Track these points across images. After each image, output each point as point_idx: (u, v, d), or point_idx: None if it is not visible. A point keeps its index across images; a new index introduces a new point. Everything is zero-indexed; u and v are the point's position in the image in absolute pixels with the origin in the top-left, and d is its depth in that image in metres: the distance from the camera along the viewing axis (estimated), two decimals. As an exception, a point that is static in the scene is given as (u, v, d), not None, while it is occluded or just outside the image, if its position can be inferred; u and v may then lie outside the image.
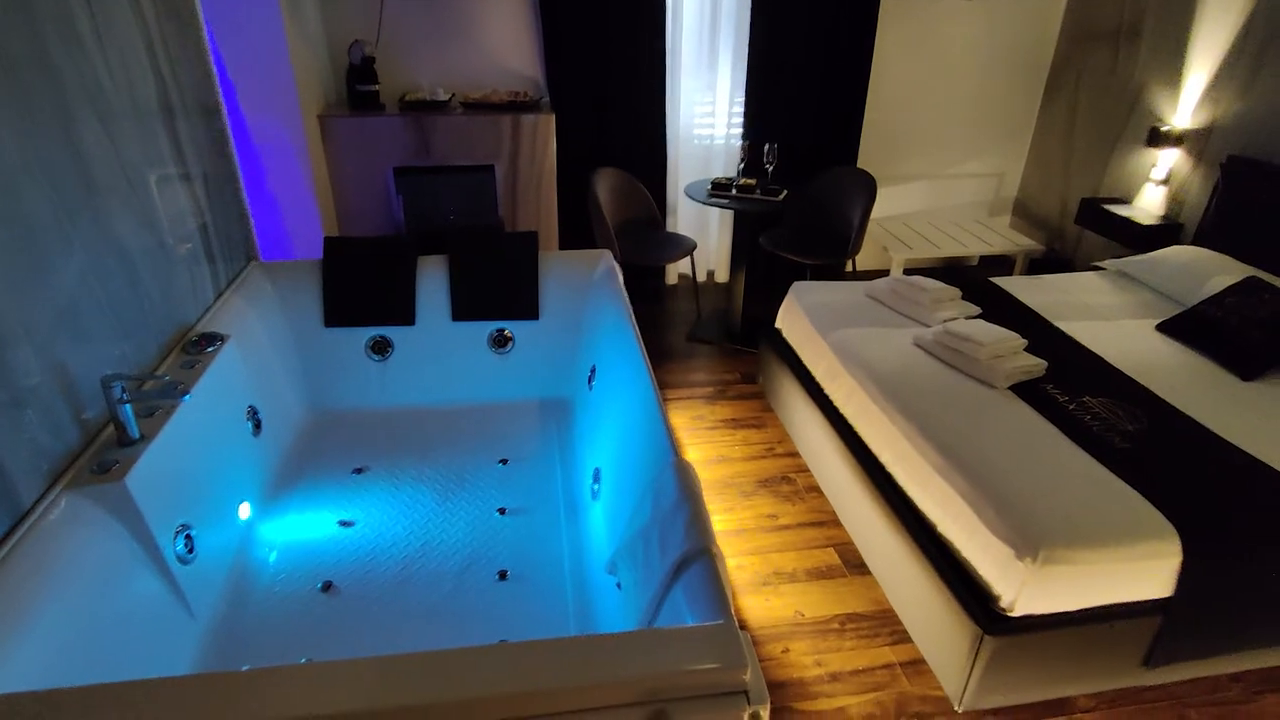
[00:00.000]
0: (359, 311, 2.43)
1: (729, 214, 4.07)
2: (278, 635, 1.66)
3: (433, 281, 2.47)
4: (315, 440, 2.33)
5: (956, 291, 2.72)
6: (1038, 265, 4.07)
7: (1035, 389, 2.17)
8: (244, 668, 1.01)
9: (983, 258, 4.38)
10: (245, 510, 1.96)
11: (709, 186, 3.37)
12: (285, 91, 2.93)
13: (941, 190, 4.34)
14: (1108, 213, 3.46)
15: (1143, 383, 2.23)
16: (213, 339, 1.94)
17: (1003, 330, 2.31)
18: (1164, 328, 2.60)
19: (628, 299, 2.30)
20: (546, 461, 2.26)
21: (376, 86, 3.32)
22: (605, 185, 3.44)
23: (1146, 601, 1.69)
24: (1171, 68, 3.34)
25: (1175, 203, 3.35)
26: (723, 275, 4.29)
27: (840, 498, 2.37)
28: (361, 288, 2.42)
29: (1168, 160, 3.34)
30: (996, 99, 4.14)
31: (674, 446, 1.56)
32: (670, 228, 4.04)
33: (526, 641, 1.02)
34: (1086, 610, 1.67)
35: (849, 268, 4.27)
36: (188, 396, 1.57)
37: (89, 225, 1.53)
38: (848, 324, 2.59)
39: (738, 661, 1.00)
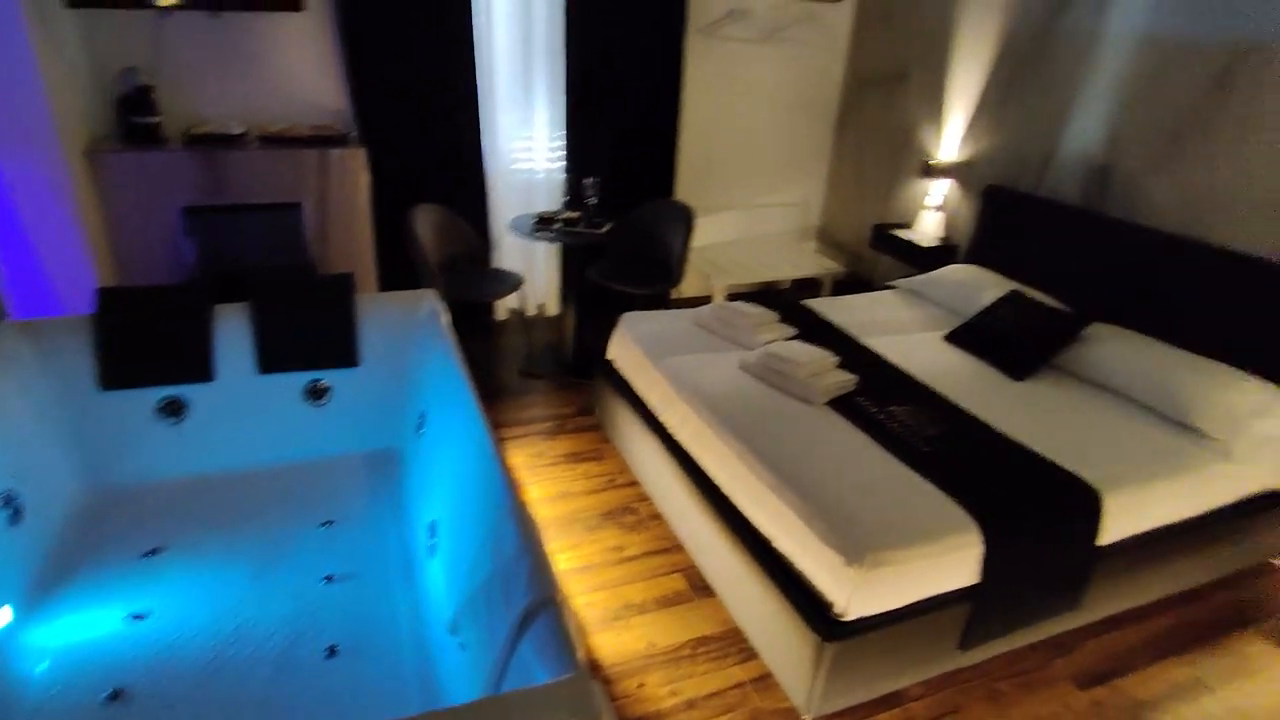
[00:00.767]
0: (143, 370, 2.15)
1: (556, 247, 4.07)
2: (51, 764, 1.40)
3: (234, 332, 2.24)
4: (96, 522, 2.02)
5: (775, 315, 2.89)
6: (842, 286, 4.43)
7: (849, 402, 2.34)
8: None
9: (794, 281, 4.70)
10: (4, 616, 1.65)
11: (533, 221, 3.36)
12: (39, 125, 2.56)
13: (754, 219, 4.62)
14: (895, 237, 3.85)
15: (938, 390, 2.47)
16: (-52, 416, 1.63)
17: (817, 350, 2.48)
18: (950, 338, 2.91)
19: (454, 339, 2.21)
20: (377, 519, 2.11)
21: (157, 119, 3.00)
22: (425, 222, 3.32)
23: (958, 590, 1.85)
24: (935, 109, 3.79)
25: (949, 226, 3.78)
26: (553, 308, 4.28)
27: (682, 523, 2.41)
28: (145, 342, 2.14)
29: (940, 189, 3.77)
30: (796, 134, 4.49)
31: (512, 491, 1.50)
32: (496, 263, 3.97)
33: (359, 731, 0.92)
34: (909, 606, 1.80)
35: (675, 295, 4.42)
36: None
37: None
38: (678, 351, 2.66)
39: (591, 716, 0.97)
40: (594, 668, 2.00)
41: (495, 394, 3.39)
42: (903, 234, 3.86)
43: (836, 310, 3.16)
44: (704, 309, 2.98)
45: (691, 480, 2.28)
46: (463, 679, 1.49)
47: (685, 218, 3.49)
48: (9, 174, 2.58)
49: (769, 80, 4.27)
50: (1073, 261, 3.05)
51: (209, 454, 2.24)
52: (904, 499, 1.90)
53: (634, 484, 2.77)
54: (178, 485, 2.18)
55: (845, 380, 2.40)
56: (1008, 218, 3.39)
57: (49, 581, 1.81)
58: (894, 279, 3.60)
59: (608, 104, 3.83)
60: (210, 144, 3.01)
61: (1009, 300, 2.92)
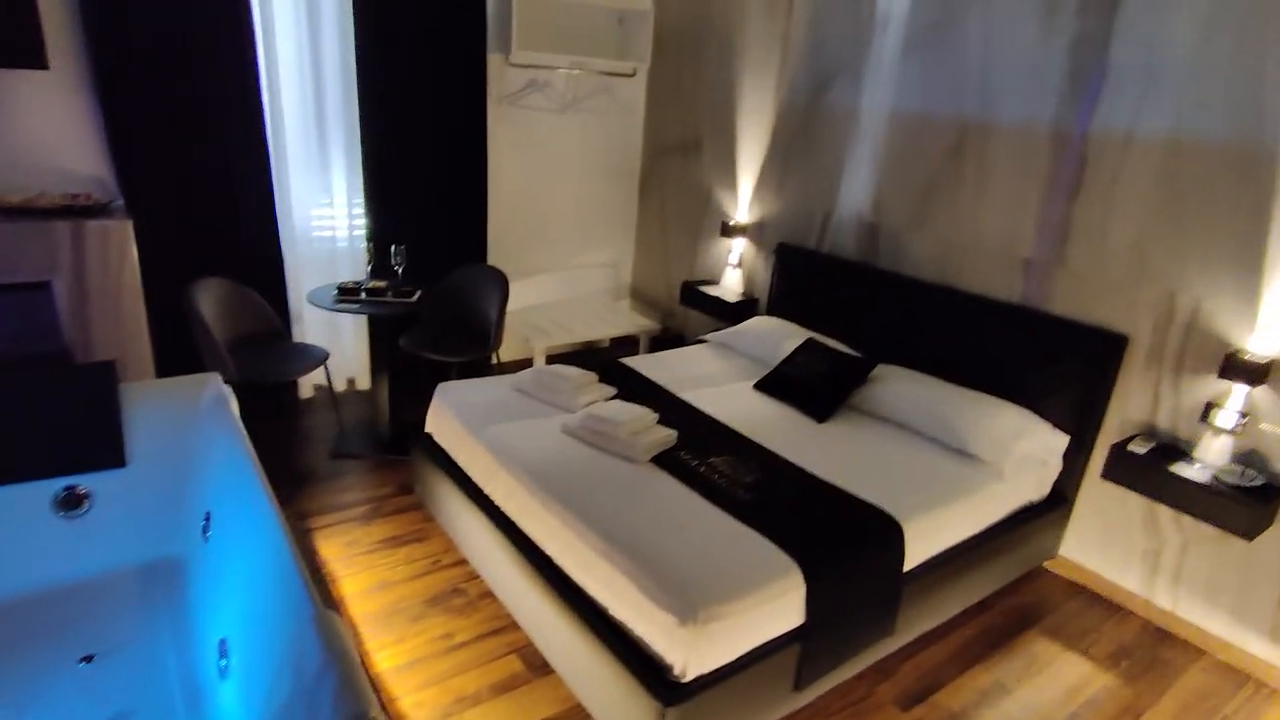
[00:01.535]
0: None
1: (364, 317, 3.85)
2: None
3: (-45, 439, 1.86)
4: None
5: (594, 375, 2.90)
6: (659, 342, 4.57)
7: (671, 457, 2.38)
8: None
9: (612, 339, 4.79)
10: None
11: (335, 292, 3.16)
12: None
13: (570, 280, 4.68)
14: (702, 293, 4.05)
15: (752, 437, 2.59)
16: None
17: (638, 408, 2.51)
18: (759, 386, 3.07)
19: (242, 426, 1.99)
20: (152, 645, 1.81)
21: None
22: (210, 298, 3.01)
23: (787, 634, 1.90)
24: (728, 174, 4.09)
25: (750, 281, 4.05)
26: (364, 382, 4.02)
27: (514, 599, 2.30)
28: None
29: (739, 247, 4.04)
30: (603, 198, 4.64)
31: (314, 594, 1.35)
32: (298, 337, 3.68)
33: None
34: (744, 656, 1.83)
35: (494, 361, 4.32)
36: None
37: None
38: (498, 420, 2.59)
39: None
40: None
41: (302, 480, 3.09)
42: (709, 290, 4.07)
43: (654, 367, 3.24)
44: (523, 374, 2.93)
45: (521, 553, 2.19)
46: (264, 823, 1.29)
47: (500, 282, 3.45)
48: None
49: (574, 147, 4.40)
50: (856, 309, 3.37)
51: (-79, 592, 1.82)
52: (729, 550, 1.94)
53: (462, 563, 2.62)
54: (-126, 637, 1.75)
55: (666, 436, 2.45)
56: (798, 271, 3.68)
57: None
58: (705, 333, 3.78)
59: (411, 171, 3.74)
60: (-76, 217, 2.55)
61: (806, 348, 3.15)
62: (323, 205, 3.66)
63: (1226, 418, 2.30)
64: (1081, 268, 2.67)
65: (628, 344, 4.81)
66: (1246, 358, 2.25)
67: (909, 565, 2.20)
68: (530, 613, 2.20)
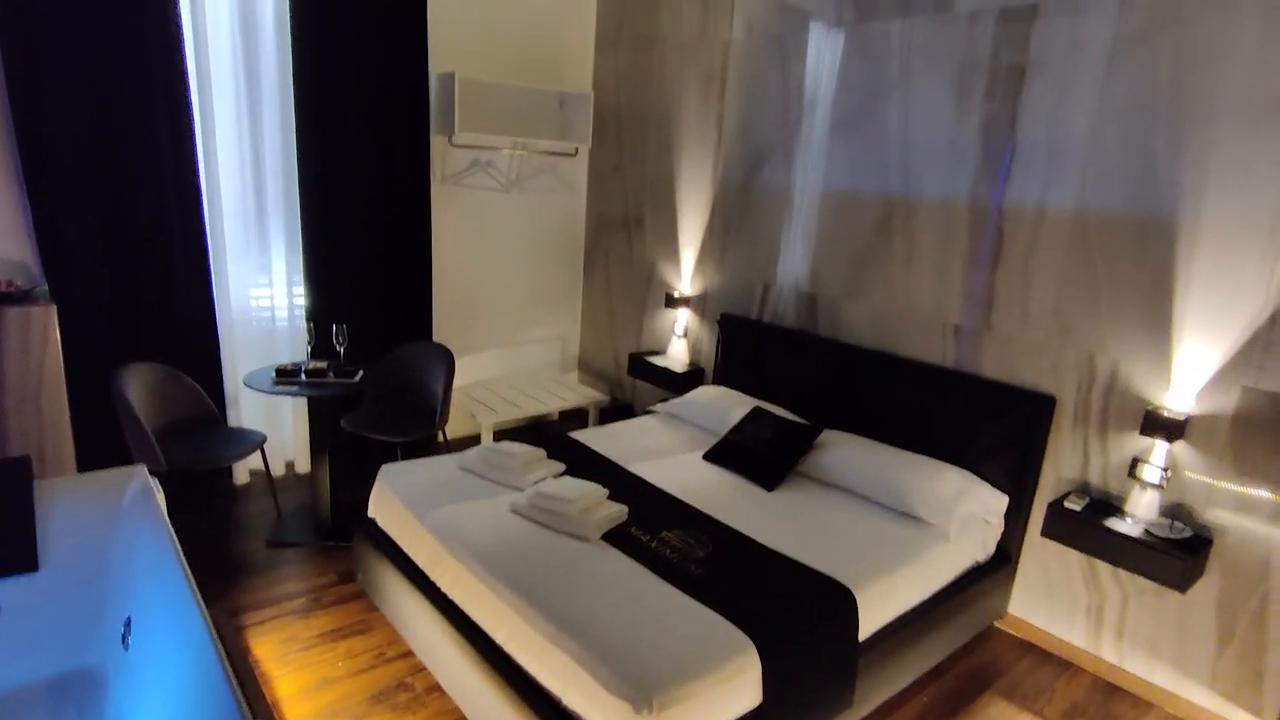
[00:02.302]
0: None
1: (304, 399, 3.76)
2: None
3: None
4: None
5: (542, 452, 2.87)
6: (607, 414, 4.56)
7: (622, 533, 2.34)
8: None
9: (561, 412, 4.76)
10: None
11: (273, 375, 3.08)
12: None
13: (516, 355, 4.67)
14: (649, 363, 4.09)
15: (703, 509, 2.58)
16: None
17: (587, 484, 2.48)
18: (708, 457, 3.08)
19: (168, 522, 1.89)
20: (63, 767, 1.66)
21: None
22: (138, 384, 2.90)
23: (746, 715, 1.86)
24: (671, 248, 4.19)
25: (695, 351, 4.11)
26: (304, 465, 3.89)
27: (463, 692, 2.20)
28: None
29: (684, 318, 4.11)
30: (548, 274, 4.69)
31: (242, 704, 1.26)
32: (234, 421, 3.56)
33: None
34: (701, 740, 1.77)
35: (441, 439, 4.24)
36: None
37: None
38: (444, 501, 2.52)
39: None
40: None
41: (236, 572, 2.94)
42: (656, 360, 4.11)
43: (602, 440, 3.23)
44: (470, 452, 2.88)
45: (469, 643, 2.11)
46: None
47: (445, 359, 3.41)
48: None
49: (518, 224, 4.46)
50: (800, 376, 3.44)
51: None
52: (683, 629, 1.90)
53: (407, 655, 2.50)
54: None
55: (616, 512, 2.42)
56: (742, 341, 3.76)
57: None
58: (653, 403, 3.79)
59: (353, 251, 3.74)
60: None
61: (752, 417, 3.19)
62: (261, 285, 3.60)
63: (1151, 472, 2.40)
64: (1007, 333, 2.80)
65: (577, 416, 4.79)
66: (1165, 414, 2.37)
67: (864, 634, 2.19)
68: (479, 706, 2.10)
